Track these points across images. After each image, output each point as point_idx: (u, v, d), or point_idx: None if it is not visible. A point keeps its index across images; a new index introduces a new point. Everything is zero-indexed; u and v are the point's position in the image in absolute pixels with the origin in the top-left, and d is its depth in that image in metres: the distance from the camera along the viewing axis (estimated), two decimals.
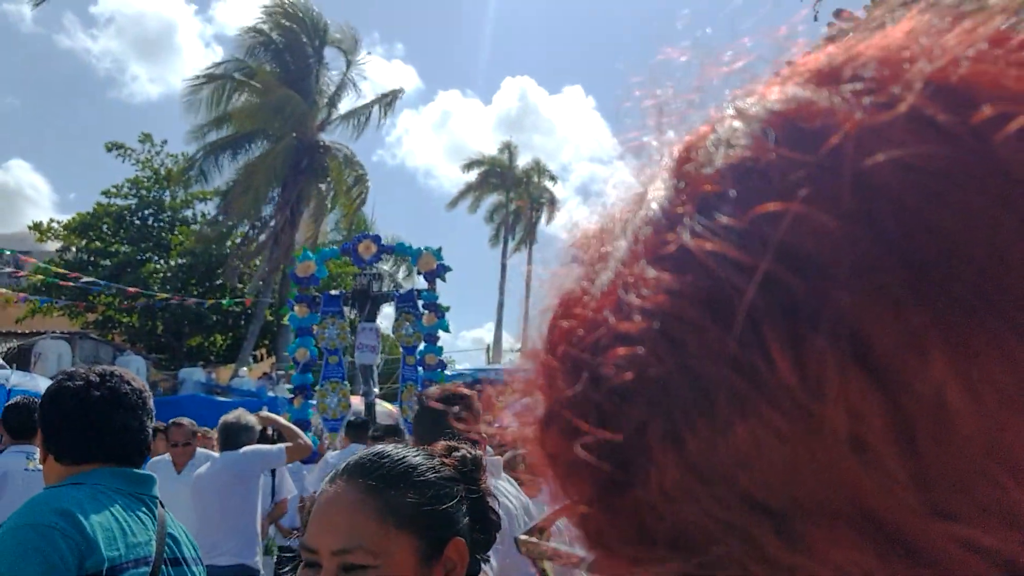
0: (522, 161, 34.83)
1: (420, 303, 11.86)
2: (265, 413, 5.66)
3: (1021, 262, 0.22)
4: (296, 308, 11.75)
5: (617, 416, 0.26)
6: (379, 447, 1.27)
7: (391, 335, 12.72)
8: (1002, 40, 0.25)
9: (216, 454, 5.16)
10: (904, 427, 0.22)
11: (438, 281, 12.11)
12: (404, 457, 1.23)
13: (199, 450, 5.61)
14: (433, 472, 1.23)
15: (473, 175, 33.83)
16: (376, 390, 11.80)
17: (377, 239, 12.06)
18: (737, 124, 0.28)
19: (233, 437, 4.87)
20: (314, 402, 11.55)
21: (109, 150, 25.55)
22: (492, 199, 34.13)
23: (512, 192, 33.66)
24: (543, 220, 34.44)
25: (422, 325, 11.75)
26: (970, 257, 0.22)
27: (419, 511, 1.17)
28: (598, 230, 0.32)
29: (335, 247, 13.76)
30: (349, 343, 12.02)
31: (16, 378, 8.91)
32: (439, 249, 12.00)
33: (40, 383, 7.93)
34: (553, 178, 35.22)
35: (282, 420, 5.50)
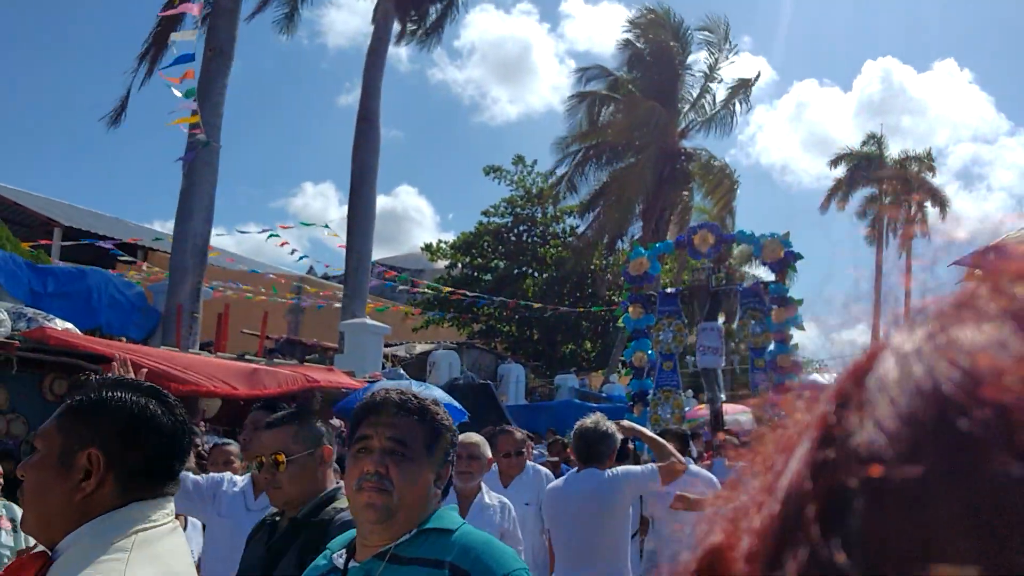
0: (894, 150, 31.14)
1: (767, 297, 10.74)
2: (628, 423, 4.74)
3: None
4: (630, 309, 11.20)
5: None
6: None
7: (737, 335, 11.70)
8: None
9: (539, 467, 4.79)
10: None
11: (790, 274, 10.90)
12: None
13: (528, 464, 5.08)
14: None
15: (840, 170, 30.94)
16: (722, 396, 10.91)
17: (715, 228, 11.20)
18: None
19: (594, 447, 4.16)
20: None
21: (487, 173, 27.72)
22: (862, 193, 30.95)
23: (885, 185, 30.24)
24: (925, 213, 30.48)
25: (770, 322, 10.61)
26: None
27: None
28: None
29: (670, 241, 13.05)
30: (687, 346, 11.26)
31: (415, 387, 9.49)
32: (787, 235, 10.75)
33: (435, 392, 8.09)
34: (932, 168, 31.04)
35: (648, 432, 4.66)
